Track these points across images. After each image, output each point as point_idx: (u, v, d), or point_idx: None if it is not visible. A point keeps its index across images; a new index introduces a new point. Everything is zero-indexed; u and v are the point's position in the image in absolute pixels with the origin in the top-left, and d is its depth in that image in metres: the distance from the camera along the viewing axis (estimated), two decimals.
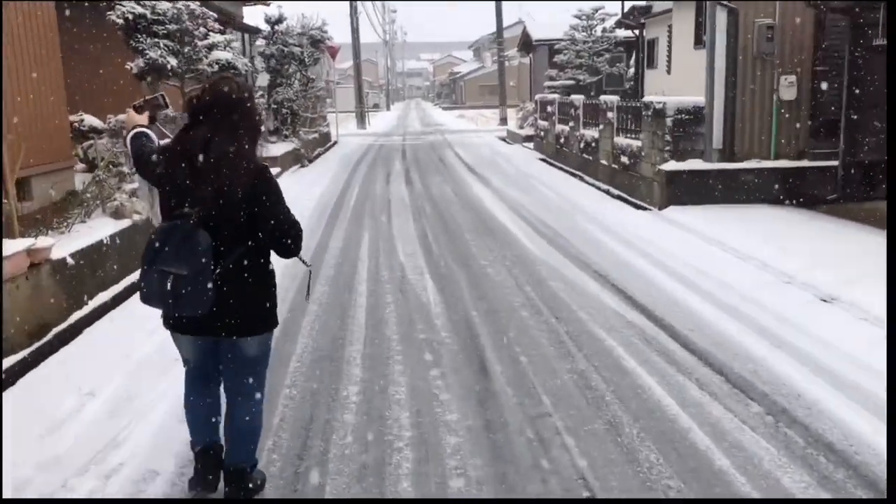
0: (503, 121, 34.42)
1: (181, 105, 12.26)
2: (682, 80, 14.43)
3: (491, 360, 5.09)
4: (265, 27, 19.52)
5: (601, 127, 14.11)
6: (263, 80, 21.89)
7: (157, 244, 3.06)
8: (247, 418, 3.33)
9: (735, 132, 11.59)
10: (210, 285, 3.00)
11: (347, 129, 35.44)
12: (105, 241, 6.66)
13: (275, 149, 17.45)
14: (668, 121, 10.82)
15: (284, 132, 18.93)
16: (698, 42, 13.16)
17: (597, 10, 19.75)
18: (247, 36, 20.52)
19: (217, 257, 3.05)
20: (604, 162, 13.94)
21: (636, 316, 6.00)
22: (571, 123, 16.68)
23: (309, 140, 20.93)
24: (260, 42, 19.61)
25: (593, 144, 14.72)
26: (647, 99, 11.57)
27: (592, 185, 14.20)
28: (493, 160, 19.12)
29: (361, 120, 35.63)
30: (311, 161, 19.94)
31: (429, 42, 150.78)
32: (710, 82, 11.19)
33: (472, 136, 28.66)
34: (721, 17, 11.22)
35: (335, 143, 26.27)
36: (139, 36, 9.29)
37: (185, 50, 9.84)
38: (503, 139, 26.88)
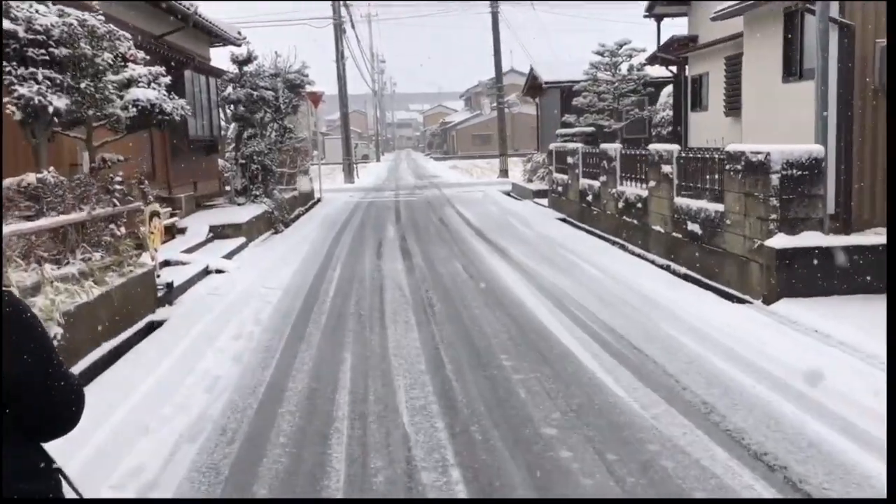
0: (504, 172, 31.52)
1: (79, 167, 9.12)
2: (756, 123, 11.38)
3: None
4: (233, 69, 16.52)
5: (652, 183, 11.02)
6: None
7: None
8: None
9: (852, 192, 8.52)
10: None
11: (335, 182, 32.45)
12: None
13: (240, 213, 14.26)
14: (775, 178, 7.69)
15: (254, 192, 15.78)
16: (789, 73, 10.14)
17: (622, 45, 16.94)
18: (213, 81, 17.53)
19: None
20: (657, 228, 10.81)
21: None
22: (604, 178, 13.61)
23: (286, 200, 17.79)
24: (221, 85, 16.59)
25: (639, 205, 11.61)
26: (735, 148, 8.49)
27: (642, 257, 11.04)
28: (504, 221, 15.98)
29: (350, 173, 32.66)
30: (287, 225, 16.76)
31: (418, 93, 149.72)
32: (822, 125, 8.13)
33: (472, 189, 25.63)
34: (832, 38, 8.22)
35: (318, 200, 23.15)
36: (7, 65, 6.16)
37: (83, 85, 6.70)
38: (508, 194, 23.83)
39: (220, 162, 19.71)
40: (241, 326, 7.42)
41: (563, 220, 16.23)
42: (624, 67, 17.17)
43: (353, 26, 53.27)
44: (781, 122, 10.14)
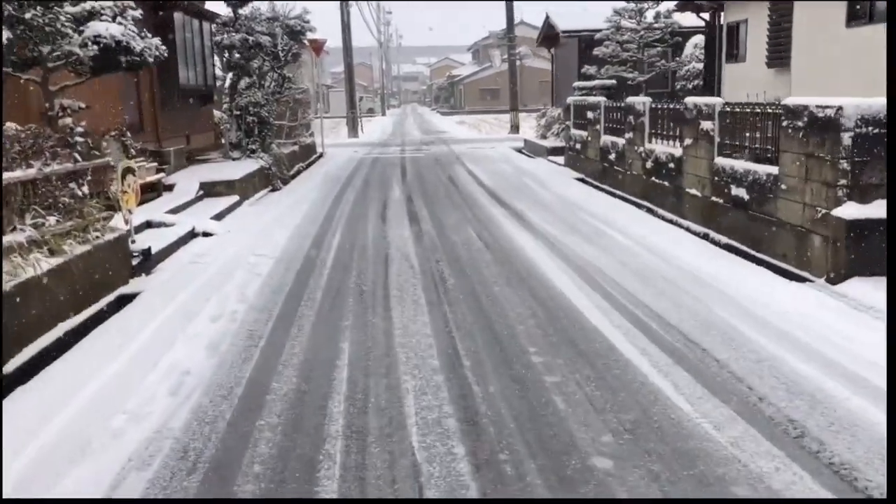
0: (515, 128, 30.21)
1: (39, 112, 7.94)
2: (809, 74, 10.15)
3: None
4: (228, 12, 15.23)
5: (688, 141, 9.87)
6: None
7: None
8: None
9: None
10: None
11: (338, 137, 31.21)
12: None
13: (234, 169, 13.16)
14: (846, 137, 6.56)
15: (250, 146, 14.64)
16: (855, 15, 8.90)
17: None
18: (207, 26, 16.26)
19: None
20: (693, 192, 9.70)
21: None
22: (629, 135, 12.44)
23: (285, 155, 16.65)
24: (213, 29, 15.31)
25: (671, 166, 10.48)
26: (795, 101, 7.33)
27: (675, 223, 9.96)
28: (518, 181, 14.85)
29: (353, 127, 31.37)
30: (286, 182, 15.66)
31: (425, 46, 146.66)
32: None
33: (483, 146, 24.39)
34: None
35: (320, 155, 21.98)
36: None
37: (29, 15, 5.56)
38: (520, 151, 22.62)
39: (217, 113, 18.55)
40: (222, 304, 6.40)
41: (582, 181, 15.09)
42: (650, 15, 15.80)
43: None
44: (842, 72, 8.95)
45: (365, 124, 39.67)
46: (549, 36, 22.54)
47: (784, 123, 7.45)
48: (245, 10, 14.82)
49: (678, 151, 10.32)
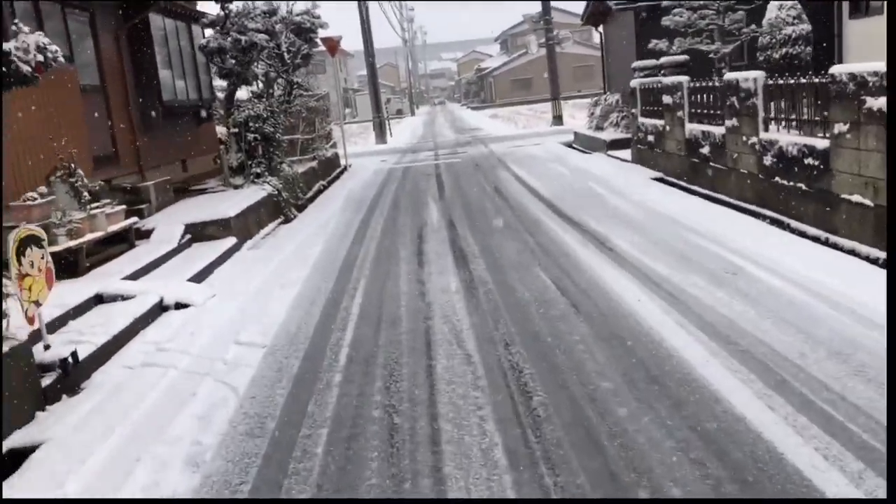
0: (558, 119, 27.30)
1: None
2: None
3: None
4: (216, 10, 12.67)
5: (840, 128, 6.96)
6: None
7: None
8: None
9: None
10: None
11: (366, 143, 28.65)
12: None
13: (230, 201, 10.55)
14: None
15: (254, 169, 12.06)
16: None
17: None
18: (196, 29, 13.72)
19: None
20: (854, 199, 6.81)
21: None
22: (732, 121, 9.54)
23: (301, 174, 14.08)
24: (208, 33, 12.74)
25: (810, 161, 7.59)
26: None
27: (826, 242, 7.10)
28: (583, 187, 12.02)
29: (381, 132, 28.72)
30: (302, 207, 13.08)
31: (451, 41, 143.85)
32: None
33: (526, 143, 21.55)
34: None
35: (344, 169, 19.37)
36: None
37: None
38: (570, 146, 19.76)
39: (222, 130, 16.05)
40: (158, 471, 3.77)
41: (661, 181, 12.22)
42: None
43: None
44: None
45: (394, 126, 37.08)
46: (596, 12, 19.61)
47: None
48: (236, 5, 12.22)
49: (821, 143, 7.42)
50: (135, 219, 9.11)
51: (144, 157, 11.56)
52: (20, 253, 4.83)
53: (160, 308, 6.87)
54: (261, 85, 16.48)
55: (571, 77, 57.37)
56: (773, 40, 13.64)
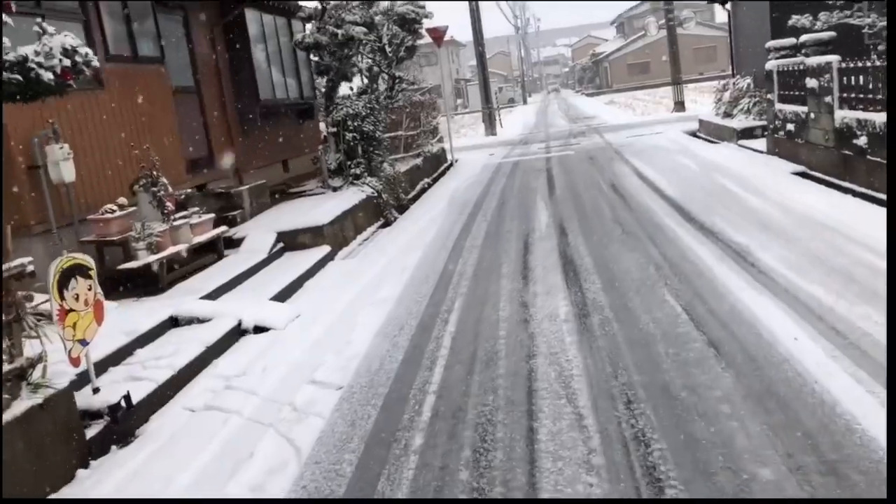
0: (680, 105, 25.48)
1: None
2: None
3: None
4: (314, 4, 12.11)
5: None
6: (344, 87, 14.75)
7: None
8: None
9: None
10: None
11: (475, 136, 27.82)
12: None
13: (325, 206, 9.92)
14: None
15: (353, 170, 11.44)
16: None
17: None
18: (296, 24, 13.24)
19: None
20: None
21: None
22: None
23: (404, 172, 13.39)
24: (308, 29, 12.18)
25: None
26: None
27: None
28: (714, 184, 10.66)
29: (491, 123, 27.77)
30: (404, 208, 12.38)
31: (565, 27, 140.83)
32: None
33: (645, 132, 20.03)
34: None
35: (450, 165, 18.59)
36: None
37: None
38: (695, 135, 18.15)
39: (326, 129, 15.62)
40: None
41: (804, 176, 10.69)
42: None
43: None
44: None
45: (505, 116, 36.07)
46: None
47: None
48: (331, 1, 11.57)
49: None
50: (223, 228, 8.62)
51: (242, 159, 11.17)
52: (63, 285, 4.25)
53: (238, 332, 6.26)
54: (364, 80, 15.95)
55: (692, 59, 54.48)
56: None
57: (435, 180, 15.89)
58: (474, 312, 6.13)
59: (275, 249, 8.70)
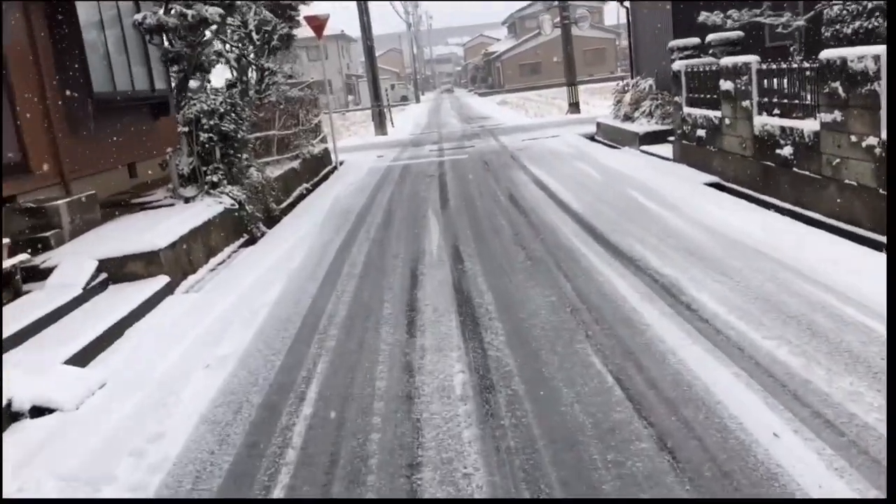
0: (574, 107, 24.75)
1: None
2: None
3: None
4: None
5: None
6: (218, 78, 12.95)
7: None
8: None
9: None
10: None
11: (366, 135, 26.18)
12: None
13: (168, 222, 8.04)
14: None
15: (209, 178, 9.60)
16: None
17: None
18: (144, 7, 11.19)
19: None
20: None
21: None
22: (832, 115, 7.02)
23: (274, 179, 11.63)
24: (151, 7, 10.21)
25: None
26: None
27: None
28: (623, 198, 9.52)
29: (381, 122, 26.14)
30: (275, 220, 10.67)
31: (457, 26, 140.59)
32: None
33: (542, 136, 19.01)
34: None
35: (334, 168, 16.88)
36: None
37: None
38: (593, 138, 17.26)
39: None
40: None
41: (719, 188, 9.77)
42: None
43: None
44: None
45: (397, 115, 34.56)
46: None
47: None
48: None
49: None
50: (22, 256, 6.67)
51: (69, 164, 9.14)
52: None
53: (9, 417, 4.45)
54: (235, 73, 14.05)
55: (582, 61, 54.67)
56: (845, 12, 11.06)
57: (316, 185, 14.18)
58: (341, 382, 4.58)
59: (95, 282, 6.82)
